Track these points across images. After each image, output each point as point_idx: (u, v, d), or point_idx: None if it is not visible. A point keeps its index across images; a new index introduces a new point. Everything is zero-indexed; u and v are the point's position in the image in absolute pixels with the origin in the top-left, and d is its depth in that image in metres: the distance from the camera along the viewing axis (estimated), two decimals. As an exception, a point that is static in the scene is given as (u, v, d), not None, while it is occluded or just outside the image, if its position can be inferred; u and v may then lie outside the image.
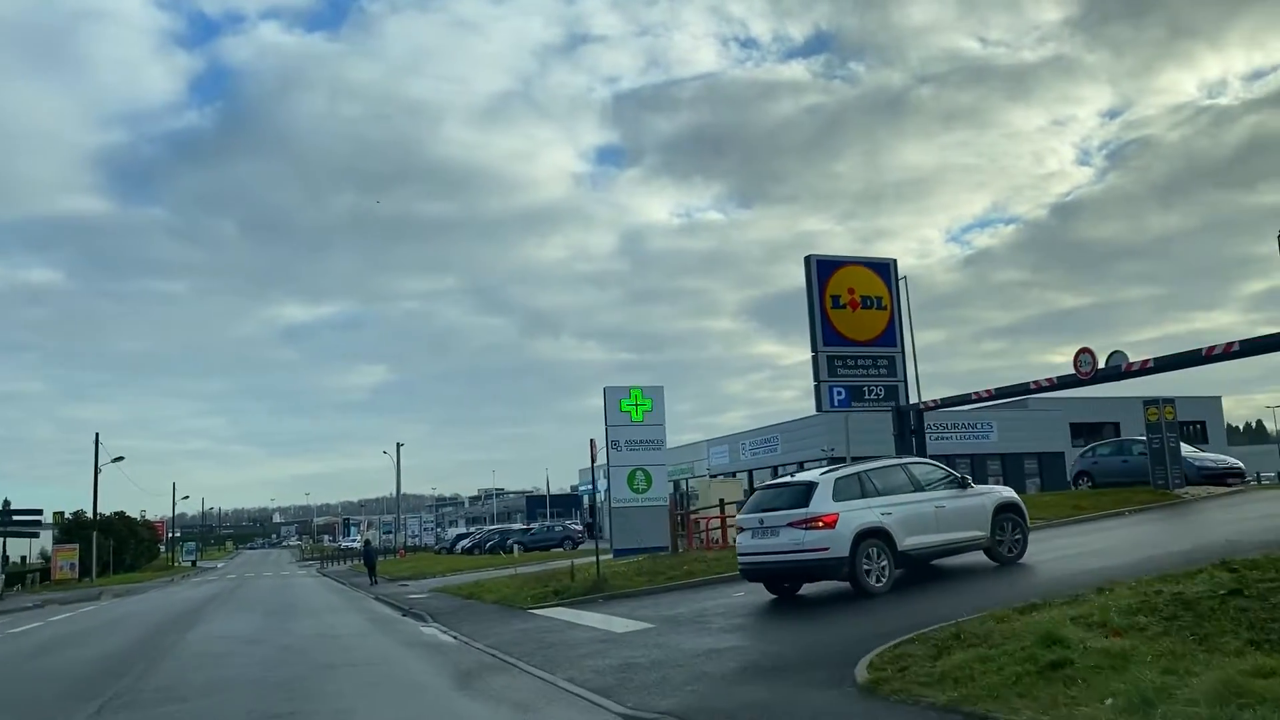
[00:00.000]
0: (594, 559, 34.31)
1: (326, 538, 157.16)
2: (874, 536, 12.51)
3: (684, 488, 62.02)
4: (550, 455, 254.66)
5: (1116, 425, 49.50)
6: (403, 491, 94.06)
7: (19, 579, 54.87)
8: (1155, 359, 14.41)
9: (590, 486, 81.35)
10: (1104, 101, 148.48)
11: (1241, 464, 24.74)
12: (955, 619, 8.86)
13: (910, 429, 19.82)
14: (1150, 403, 23.06)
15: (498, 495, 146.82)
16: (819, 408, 21.97)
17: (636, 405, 36.84)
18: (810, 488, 12.95)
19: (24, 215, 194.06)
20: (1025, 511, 14.52)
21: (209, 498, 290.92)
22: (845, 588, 12.84)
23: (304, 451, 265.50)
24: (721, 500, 27.15)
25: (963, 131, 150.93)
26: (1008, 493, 14.73)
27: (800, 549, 12.53)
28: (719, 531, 25.21)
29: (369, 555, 41.10)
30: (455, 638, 14.63)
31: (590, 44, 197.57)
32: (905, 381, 22.59)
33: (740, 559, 14.02)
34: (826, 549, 12.34)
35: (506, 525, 71.86)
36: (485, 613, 18.03)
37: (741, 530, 13.91)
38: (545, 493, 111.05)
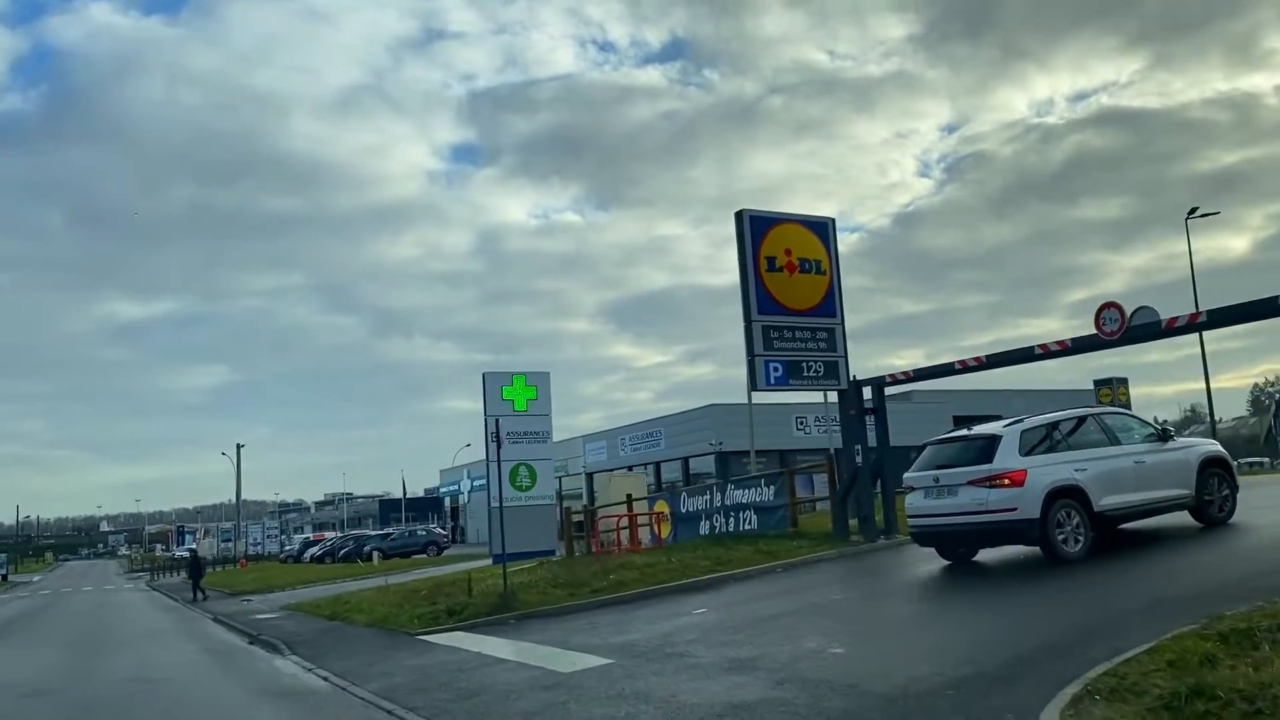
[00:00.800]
0: (473, 566, 30.45)
1: (159, 547, 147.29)
2: (1067, 496, 11.35)
3: (559, 487, 58.65)
4: (404, 458, 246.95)
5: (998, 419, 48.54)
6: (244, 497, 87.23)
7: None
8: (1209, 312, 11.89)
9: (454, 487, 76.94)
10: (943, 116, 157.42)
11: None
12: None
13: (868, 408, 16.99)
14: (1103, 383, 21.05)
15: (347, 500, 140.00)
16: (754, 386, 18.91)
17: (519, 393, 33.27)
18: (993, 441, 11.83)
19: None
20: (1233, 467, 13.50)
21: (27, 506, 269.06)
22: (1018, 557, 11.73)
23: (136, 457, 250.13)
24: (629, 496, 23.84)
25: (811, 141, 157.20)
26: (1213, 446, 13.53)
27: (983, 510, 11.41)
28: (628, 532, 21.90)
29: (194, 566, 35.75)
30: (327, 679, 10.81)
31: (446, 40, 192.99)
32: (845, 357, 19.82)
33: (911, 521, 12.88)
34: (1014, 509, 11.21)
35: (362, 531, 66.58)
36: (360, 640, 14.19)
37: (913, 490, 12.67)
38: (401, 496, 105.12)
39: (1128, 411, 13.66)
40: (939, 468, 12.35)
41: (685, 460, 47.10)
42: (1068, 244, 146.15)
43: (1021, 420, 12.38)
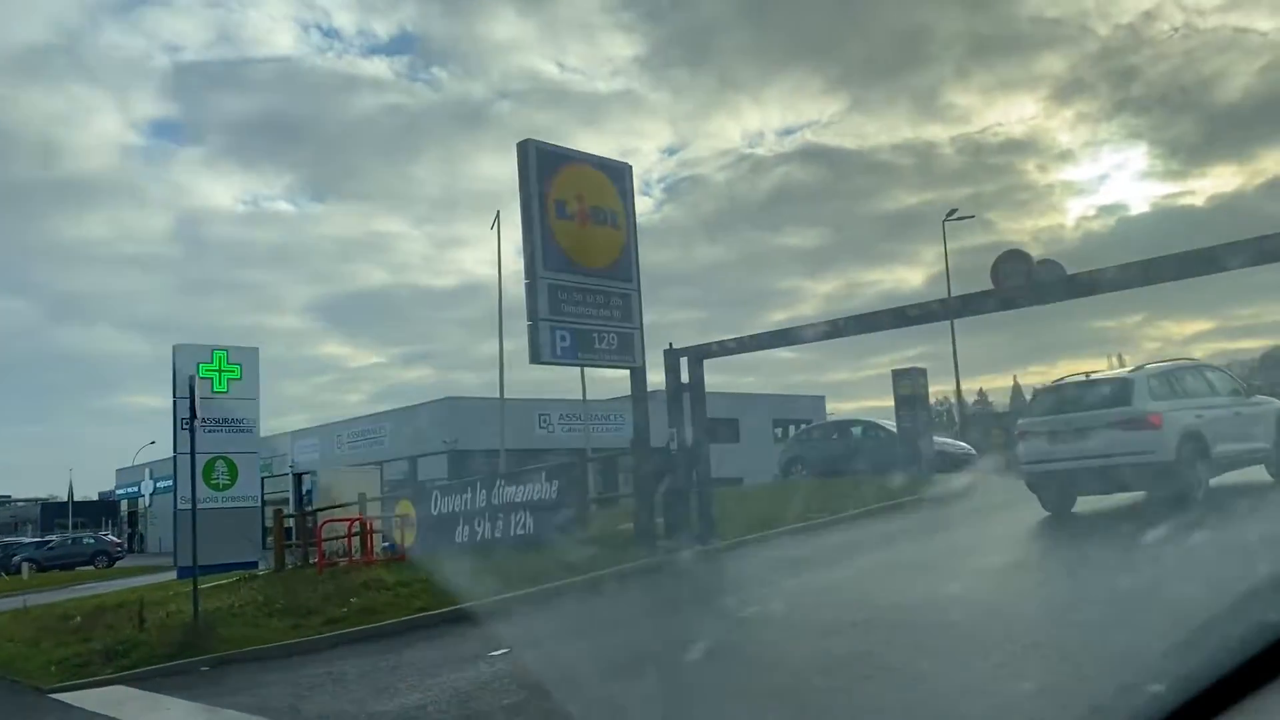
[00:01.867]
0: (153, 580, 24.79)
1: None
2: (1193, 441, 11.30)
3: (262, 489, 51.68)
4: (77, 458, 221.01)
5: (735, 422, 47.71)
6: None
7: None
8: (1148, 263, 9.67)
9: (134, 489, 67.05)
10: (664, 139, 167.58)
11: (973, 449, 21.89)
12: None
13: (682, 383, 13.79)
14: (902, 374, 19.28)
15: (4, 503, 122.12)
16: (536, 358, 15.32)
17: (220, 371, 27.79)
18: (1127, 384, 11.73)
19: None
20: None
21: None
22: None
23: None
24: (363, 496, 19.45)
25: None
26: (1280, 404, 13.64)
27: (1120, 452, 11.06)
28: (359, 538, 17.59)
29: None
30: None
31: (150, 6, 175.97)
32: (641, 330, 16.72)
33: (1028, 468, 12.37)
34: (1152, 452, 10.98)
35: (15, 539, 56.09)
36: (-43, 703, 9.31)
37: (1025, 436, 12.38)
38: (68, 499, 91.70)
39: (1219, 366, 13.88)
40: (1068, 411, 12.03)
41: (413, 460, 42.49)
42: (771, 268, 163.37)
43: (1141, 366, 12.43)
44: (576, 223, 15.90)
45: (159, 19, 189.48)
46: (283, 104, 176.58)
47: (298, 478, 49.06)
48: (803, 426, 24.08)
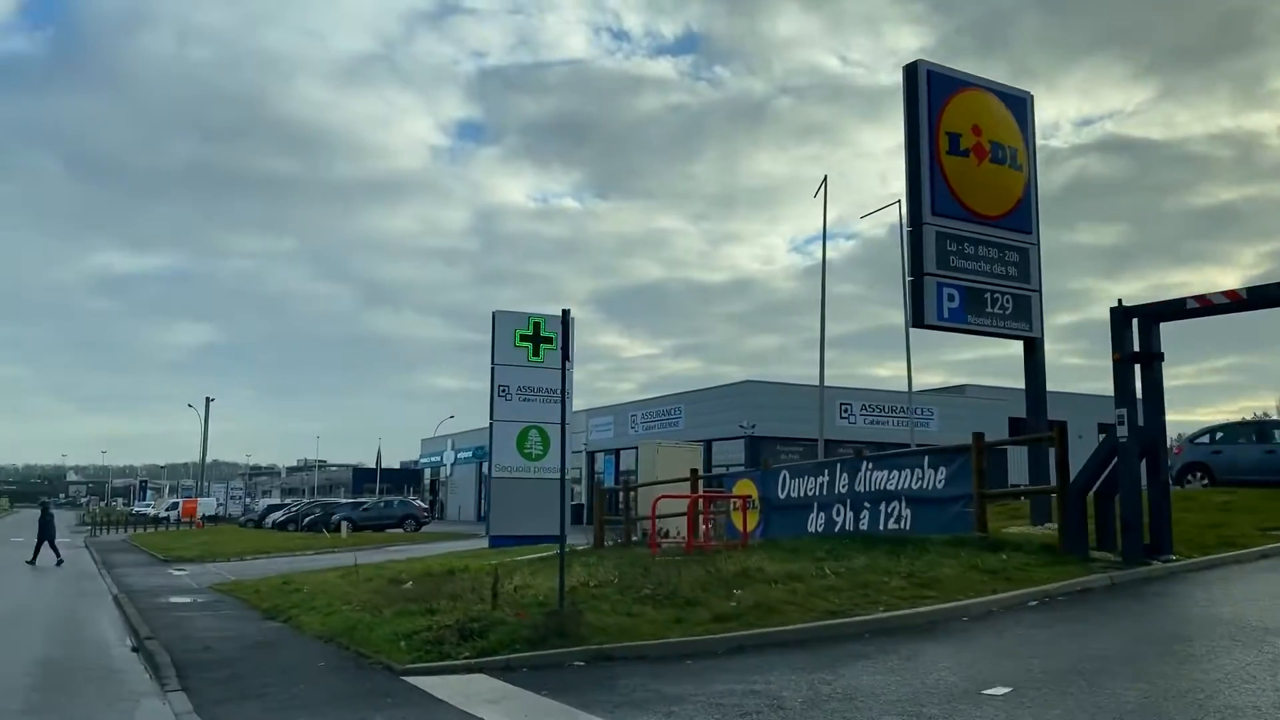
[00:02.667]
0: (459, 547, 24.46)
1: (121, 501, 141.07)
2: None
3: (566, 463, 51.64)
4: (380, 430, 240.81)
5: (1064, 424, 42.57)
6: (216, 458, 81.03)
7: None
8: None
9: (436, 458, 70.47)
10: None
11: None
12: None
13: (1133, 351, 10.76)
14: None
15: (320, 467, 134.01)
16: (919, 320, 12.88)
17: (536, 340, 27.08)
18: None
19: None
20: None
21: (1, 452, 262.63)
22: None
23: (111, 409, 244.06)
24: (694, 472, 17.72)
25: (816, 145, 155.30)
26: None
27: None
28: (683, 519, 15.80)
29: (44, 525, 29.14)
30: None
31: (460, 15, 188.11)
32: (1040, 292, 13.83)
33: None
34: None
35: (333, 499, 60.34)
36: (305, 673, 8.14)
37: None
38: (376, 466, 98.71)
39: None
40: None
41: (708, 443, 41.04)
42: (1061, 267, 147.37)
43: None
44: (972, 160, 13.27)
45: (467, 26, 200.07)
46: (574, 105, 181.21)
47: (591, 456, 49.22)
48: (1203, 428, 20.00)
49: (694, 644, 7.57)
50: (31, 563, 27.19)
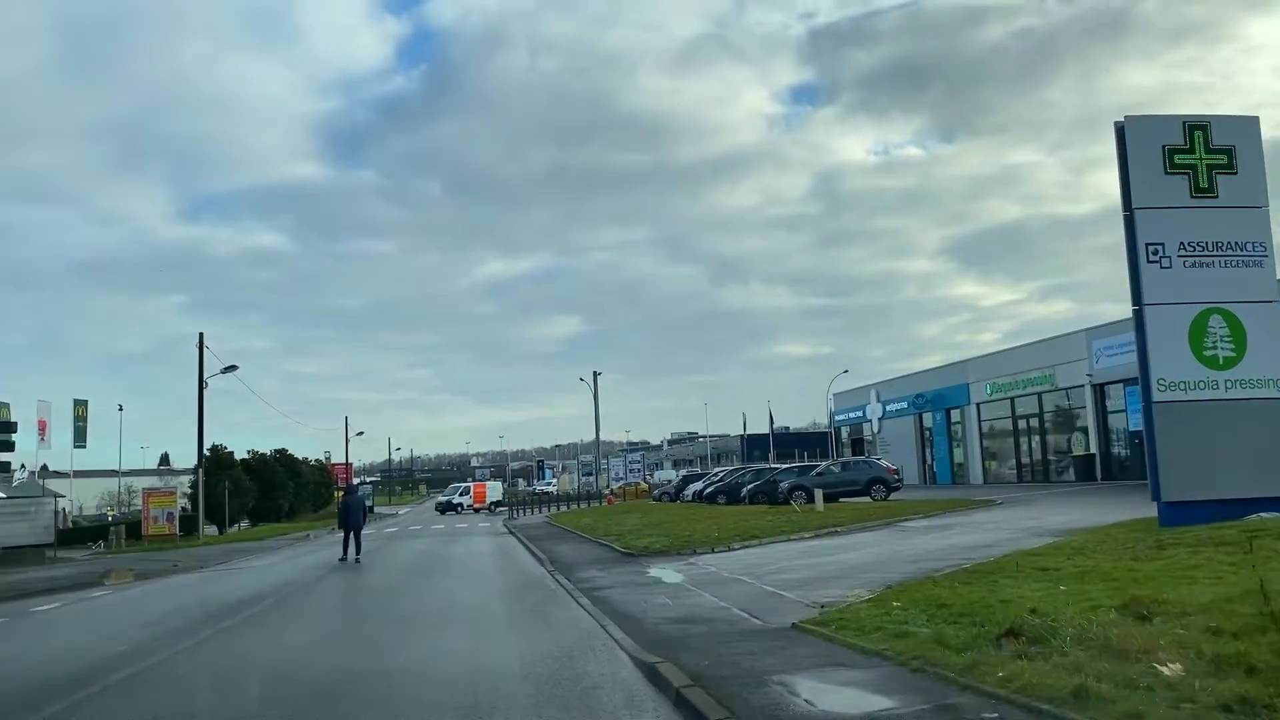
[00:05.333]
0: (1003, 522, 14.53)
1: (521, 481, 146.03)
2: None
3: (1062, 404, 40.24)
4: (741, 402, 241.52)
5: None
6: (595, 437, 76.96)
7: (101, 534, 40.09)
8: None
9: (858, 413, 60.91)
10: None
11: None
12: None
13: None
14: None
15: (693, 439, 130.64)
16: None
17: (1200, 162, 16.30)
18: None
19: (251, 183, 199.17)
20: None
21: (414, 445, 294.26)
22: None
23: (501, 400, 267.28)
24: None
25: (1192, 48, 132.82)
26: None
27: None
28: None
29: (347, 512, 23.59)
30: None
31: None
32: None
33: None
34: None
35: (762, 464, 52.64)
36: None
37: None
38: (769, 430, 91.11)
39: None
40: None
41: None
42: None
43: None
44: None
45: None
46: (909, 49, 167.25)
47: (1099, 389, 37.15)
48: None
49: None
50: (345, 558, 22.19)
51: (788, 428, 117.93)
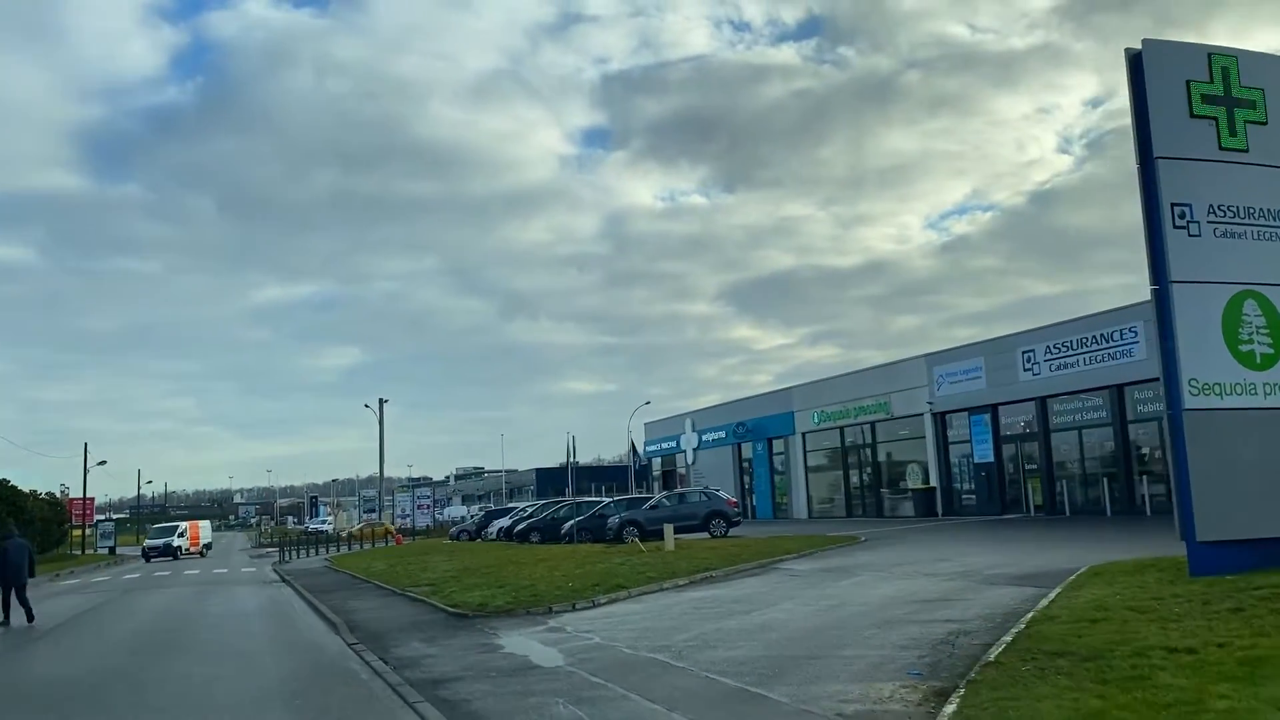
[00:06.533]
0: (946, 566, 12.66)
1: (291, 519, 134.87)
2: None
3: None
4: (527, 438, 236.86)
5: None
6: (377, 473, 70.40)
7: None
8: None
9: (670, 444, 57.13)
10: (1088, 90, 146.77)
11: None
12: None
13: None
14: None
15: (500, 473, 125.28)
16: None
17: (1226, 108, 12.83)
18: None
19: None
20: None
21: (172, 480, 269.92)
22: None
23: (271, 434, 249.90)
24: None
25: (947, 118, 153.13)
26: None
27: None
28: None
29: (4, 565, 17.69)
30: None
31: (583, 23, 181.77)
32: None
33: None
34: None
35: (565, 499, 47.81)
36: None
37: None
38: (568, 463, 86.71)
39: None
40: None
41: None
42: None
43: None
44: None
45: (589, 34, 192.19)
46: (697, 100, 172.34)
47: (939, 418, 34.98)
48: None
49: None
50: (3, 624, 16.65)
51: (601, 459, 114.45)
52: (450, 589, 17.80)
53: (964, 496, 34.54)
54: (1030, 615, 9.66)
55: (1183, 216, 11.36)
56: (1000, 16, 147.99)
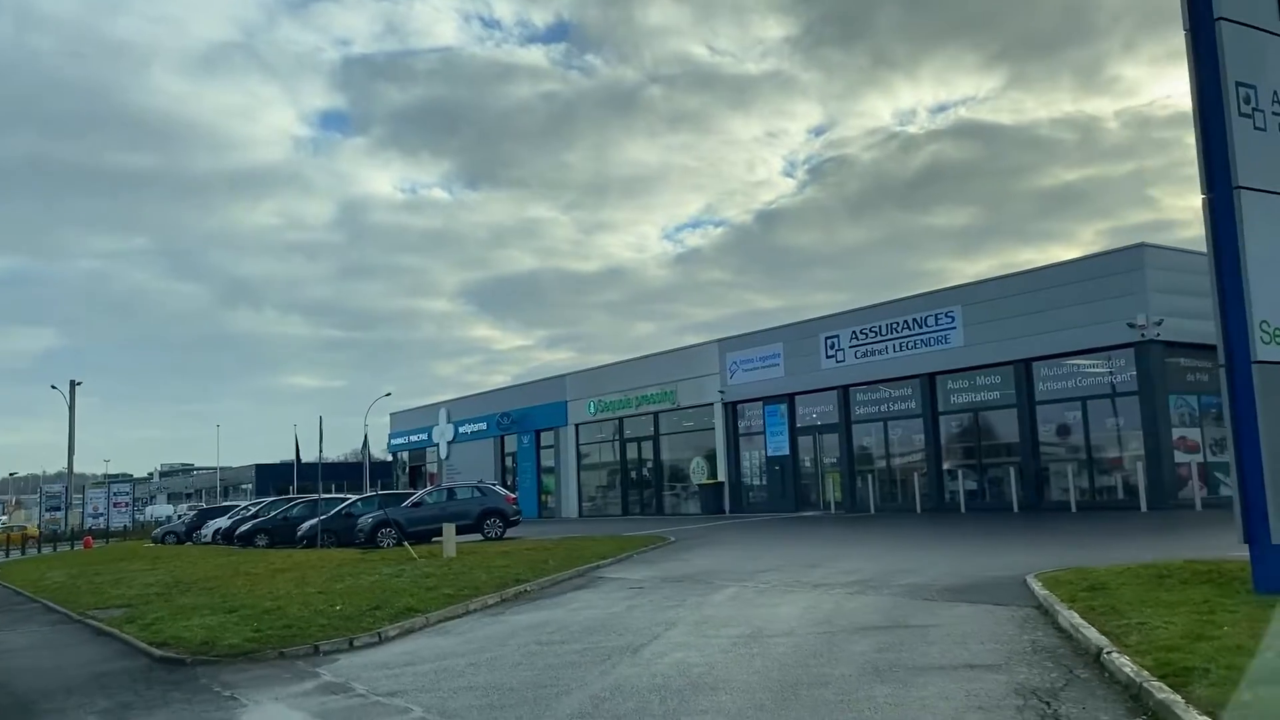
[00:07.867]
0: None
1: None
2: None
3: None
4: (246, 432, 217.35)
5: None
6: (64, 468, 60.34)
7: None
8: None
9: (421, 438, 51.41)
10: (813, 119, 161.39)
11: None
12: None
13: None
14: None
15: (214, 470, 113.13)
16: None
17: None
18: None
19: None
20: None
21: None
22: None
23: None
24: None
25: (687, 134, 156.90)
26: None
27: None
28: None
29: None
30: None
31: (324, 1, 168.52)
32: None
33: None
34: None
35: (300, 496, 41.27)
36: None
37: None
38: (295, 460, 78.41)
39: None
40: None
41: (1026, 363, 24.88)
42: (917, 249, 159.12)
43: None
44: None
45: (331, 14, 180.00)
46: (443, 93, 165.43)
47: (731, 408, 32.39)
48: None
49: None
50: None
51: (326, 458, 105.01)
52: (155, 613, 12.50)
53: (754, 492, 32.04)
54: (1129, 656, 6.22)
55: (1249, 101, 8.42)
56: (738, 41, 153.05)
